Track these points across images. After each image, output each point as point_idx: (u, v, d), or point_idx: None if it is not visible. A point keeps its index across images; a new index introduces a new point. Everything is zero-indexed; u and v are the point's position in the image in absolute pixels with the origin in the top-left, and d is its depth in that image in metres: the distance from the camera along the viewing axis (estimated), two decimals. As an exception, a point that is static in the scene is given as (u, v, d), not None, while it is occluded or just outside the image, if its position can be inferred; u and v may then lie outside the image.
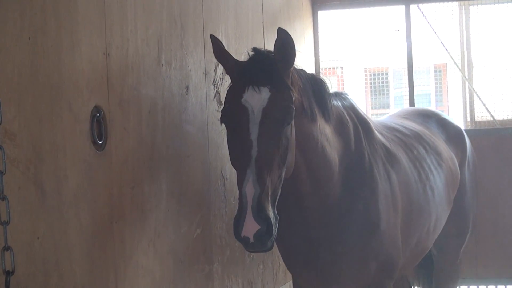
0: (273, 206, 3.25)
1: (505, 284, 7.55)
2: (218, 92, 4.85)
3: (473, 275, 7.48)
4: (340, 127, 4.00)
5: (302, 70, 3.86)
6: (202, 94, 4.64)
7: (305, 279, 4.21)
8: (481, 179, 6.52)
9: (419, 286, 6.14)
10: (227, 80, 4.91)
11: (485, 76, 8.46)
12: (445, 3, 8.09)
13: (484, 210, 7.19)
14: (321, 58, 7.87)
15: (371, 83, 19.01)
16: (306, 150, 3.66)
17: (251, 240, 3.16)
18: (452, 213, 5.30)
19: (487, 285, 7.59)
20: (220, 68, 4.86)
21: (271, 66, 3.47)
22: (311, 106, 3.70)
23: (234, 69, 3.60)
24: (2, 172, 2.67)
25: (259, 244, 3.18)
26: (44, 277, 3.03)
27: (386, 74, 19.31)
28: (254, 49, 3.62)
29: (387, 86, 19.15)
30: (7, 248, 2.68)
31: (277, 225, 3.25)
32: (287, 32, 3.45)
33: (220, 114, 4.79)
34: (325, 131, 3.82)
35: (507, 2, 8.14)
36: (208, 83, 4.72)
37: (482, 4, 8.13)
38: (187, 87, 4.41)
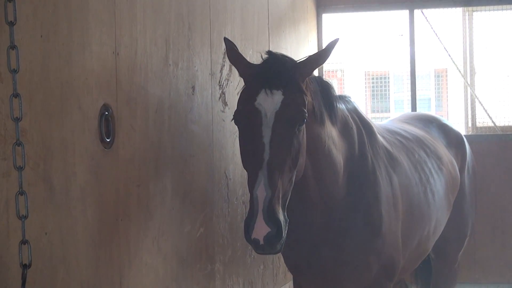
0: (283, 209, 3.27)
1: (504, 289, 7.58)
2: (223, 93, 4.88)
3: (472, 279, 7.51)
4: (345, 130, 4.02)
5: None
6: (208, 95, 4.67)
7: (306, 280, 4.24)
8: (481, 185, 6.55)
9: (417, 290, 6.17)
10: (232, 81, 4.96)
11: (487, 82, 8.49)
12: (449, 9, 8.12)
13: (484, 215, 7.23)
14: (324, 61, 7.86)
15: (371, 87, 19.01)
16: (313, 152, 3.67)
17: (261, 242, 3.17)
18: (451, 217, 5.33)
19: (485, 289, 7.63)
20: (226, 69, 4.90)
21: (286, 69, 3.48)
22: (320, 109, 3.72)
23: (248, 72, 3.59)
24: (22, 168, 2.70)
25: (268, 246, 3.19)
26: (50, 272, 3.07)
27: (387, 78, 19.31)
28: (268, 52, 3.62)
29: (387, 90, 19.13)
30: (24, 241, 2.71)
31: (287, 228, 3.27)
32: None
33: (224, 114, 4.86)
34: (332, 134, 3.84)
35: (511, 9, 8.16)
36: (214, 83, 4.76)
37: (485, 10, 8.15)
38: (193, 87, 4.44)
